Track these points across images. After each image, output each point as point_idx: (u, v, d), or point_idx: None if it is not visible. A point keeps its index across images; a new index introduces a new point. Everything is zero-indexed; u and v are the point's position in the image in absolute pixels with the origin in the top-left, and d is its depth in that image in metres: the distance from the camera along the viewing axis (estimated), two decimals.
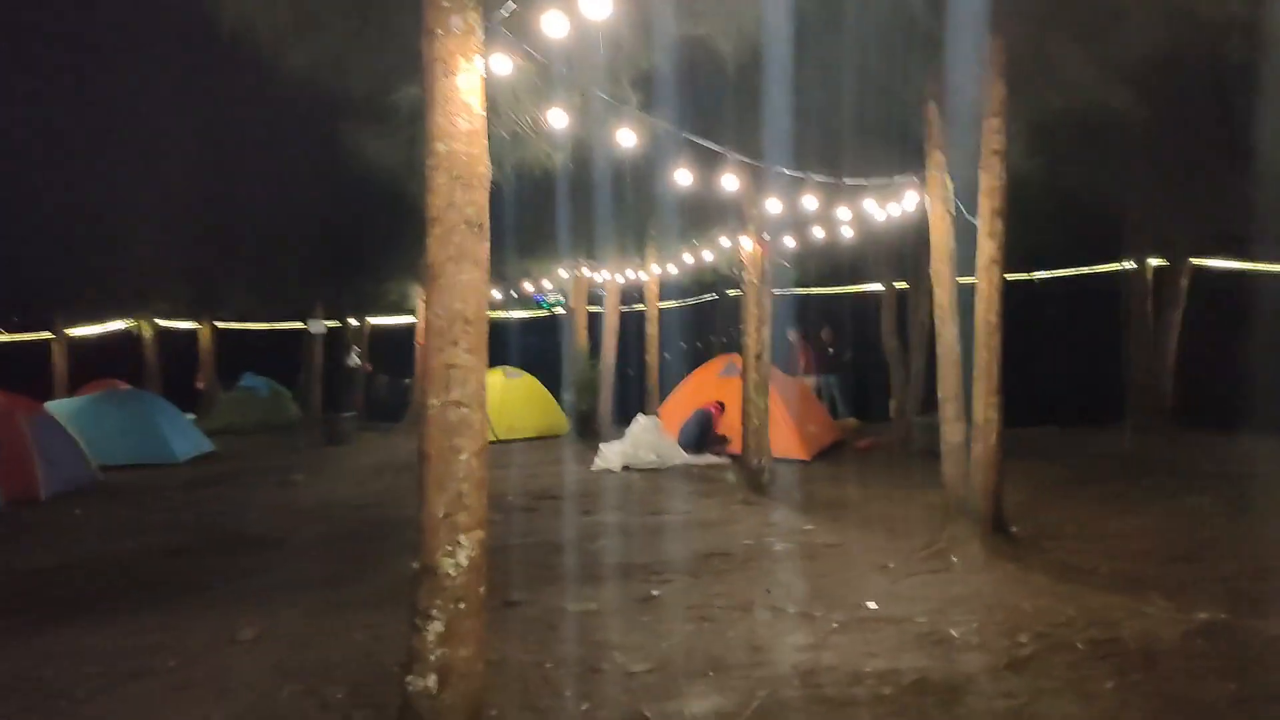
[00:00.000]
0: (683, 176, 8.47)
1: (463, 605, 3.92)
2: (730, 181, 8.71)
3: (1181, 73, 10.12)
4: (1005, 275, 7.80)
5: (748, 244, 11.01)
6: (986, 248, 7.74)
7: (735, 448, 11.88)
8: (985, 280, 7.76)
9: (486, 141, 3.94)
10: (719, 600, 6.84)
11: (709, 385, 14.08)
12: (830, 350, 17.78)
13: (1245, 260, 15.01)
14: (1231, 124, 12.07)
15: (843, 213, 10.30)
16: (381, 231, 19.16)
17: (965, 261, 8.08)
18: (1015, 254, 7.92)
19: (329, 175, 17.30)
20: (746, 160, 8.65)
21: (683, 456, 13.36)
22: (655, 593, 7.16)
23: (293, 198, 17.39)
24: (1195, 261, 15.32)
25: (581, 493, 11.76)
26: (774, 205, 9.23)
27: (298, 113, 13.29)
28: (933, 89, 8.14)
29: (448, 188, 3.82)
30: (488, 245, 4.00)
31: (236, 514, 11.28)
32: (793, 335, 17.72)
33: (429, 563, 3.93)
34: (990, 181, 7.73)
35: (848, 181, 9.06)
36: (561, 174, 12.58)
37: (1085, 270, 17.14)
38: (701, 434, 13.63)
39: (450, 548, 3.91)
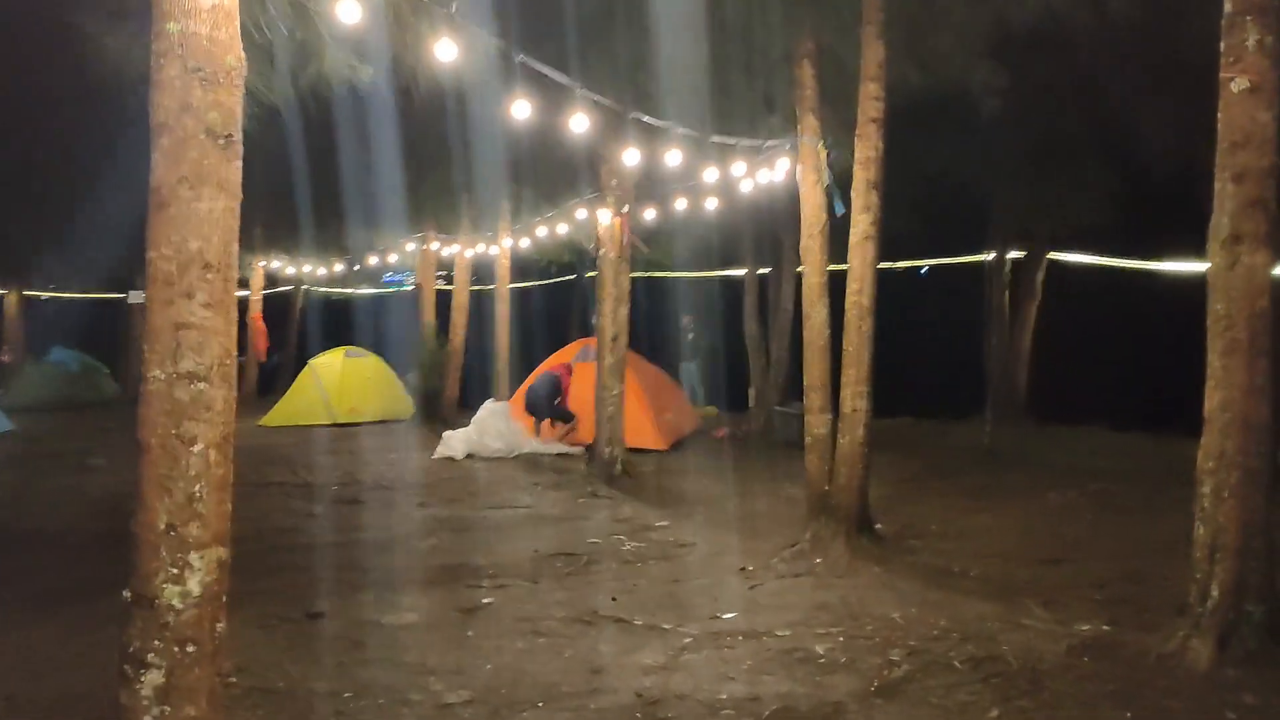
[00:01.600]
0: (520, 109, 7.28)
1: (191, 649, 2.94)
2: (580, 123, 7.61)
3: (1045, 56, 9.82)
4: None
5: (605, 217, 10.18)
6: (860, 223, 7.12)
7: (587, 436, 11.07)
8: (858, 258, 7.13)
9: (238, 25, 2.97)
10: (558, 610, 6.00)
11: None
12: (690, 335, 17.13)
13: (1101, 255, 15.04)
14: (1094, 116, 11.95)
15: (709, 175, 9.48)
16: None
17: (837, 251, 7.45)
18: (880, 241, 7.29)
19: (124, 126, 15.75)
20: (600, 100, 7.60)
21: (532, 445, 12.48)
22: (486, 600, 6.28)
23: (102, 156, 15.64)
24: (1052, 255, 15.28)
25: (418, 483, 10.75)
26: (632, 157, 8.28)
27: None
28: (806, 48, 7.46)
29: (182, 84, 2.84)
30: (239, 166, 3.03)
31: (16, 504, 9.83)
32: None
33: (145, 592, 2.95)
34: (866, 151, 7.10)
35: (714, 139, 8.28)
36: (387, 110, 11.41)
37: (951, 260, 16.99)
38: (550, 397, 12.78)
39: (176, 571, 2.93)
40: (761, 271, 15.04)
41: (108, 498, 10.00)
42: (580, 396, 12.04)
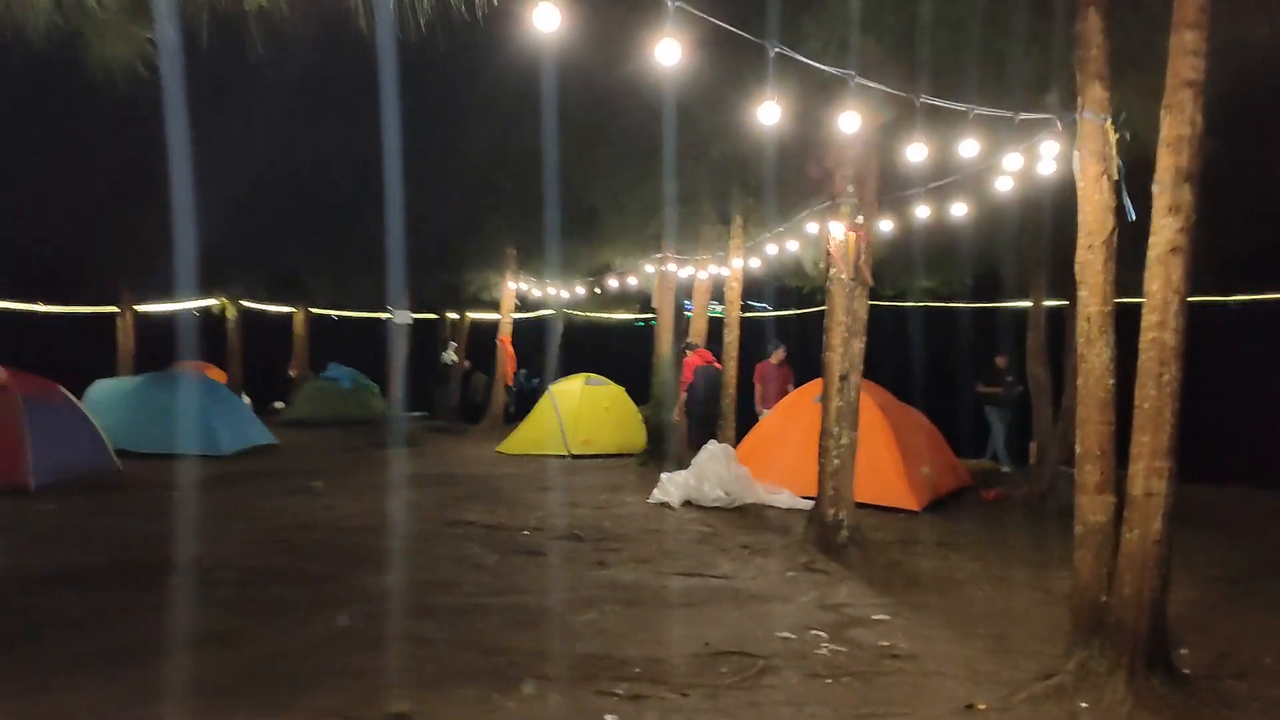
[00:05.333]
0: (769, 113, 5.88)
1: None
2: (850, 121, 6.03)
3: None
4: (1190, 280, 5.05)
5: (837, 231, 8.43)
6: (1165, 229, 5.00)
7: (809, 489, 9.30)
8: (1160, 279, 5.01)
9: None
10: None
11: (802, 413, 11.37)
12: (1007, 379, 14.40)
13: None
14: None
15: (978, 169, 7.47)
16: (462, 219, 17.45)
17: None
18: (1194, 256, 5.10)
19: (407, 158, 15.77)
20: (868, 84, 5.96)
21: (757, 494, 10.82)
22: (608, 719, 4.76)
23: (370, 181, 15.81)
24: None
25: (614, 534, 9.40)
26: (916, 152, 6.50)
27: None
28: None
29: None
30: None
31: (202, 526, 9.46)
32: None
33: None
34: (1178, 128, 4.98)
35: (977, 111, 6.29)
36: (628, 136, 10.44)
37: None
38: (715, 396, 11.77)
39: None
40: (1050, 304, 12.58)
41: (297, 526, 9.46)
42: (802, 443, 10.22)
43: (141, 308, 19.95)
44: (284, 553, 8.38)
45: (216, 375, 20.55)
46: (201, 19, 3.48)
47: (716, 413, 12.17)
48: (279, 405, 22.67)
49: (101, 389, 15.84)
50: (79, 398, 13.64)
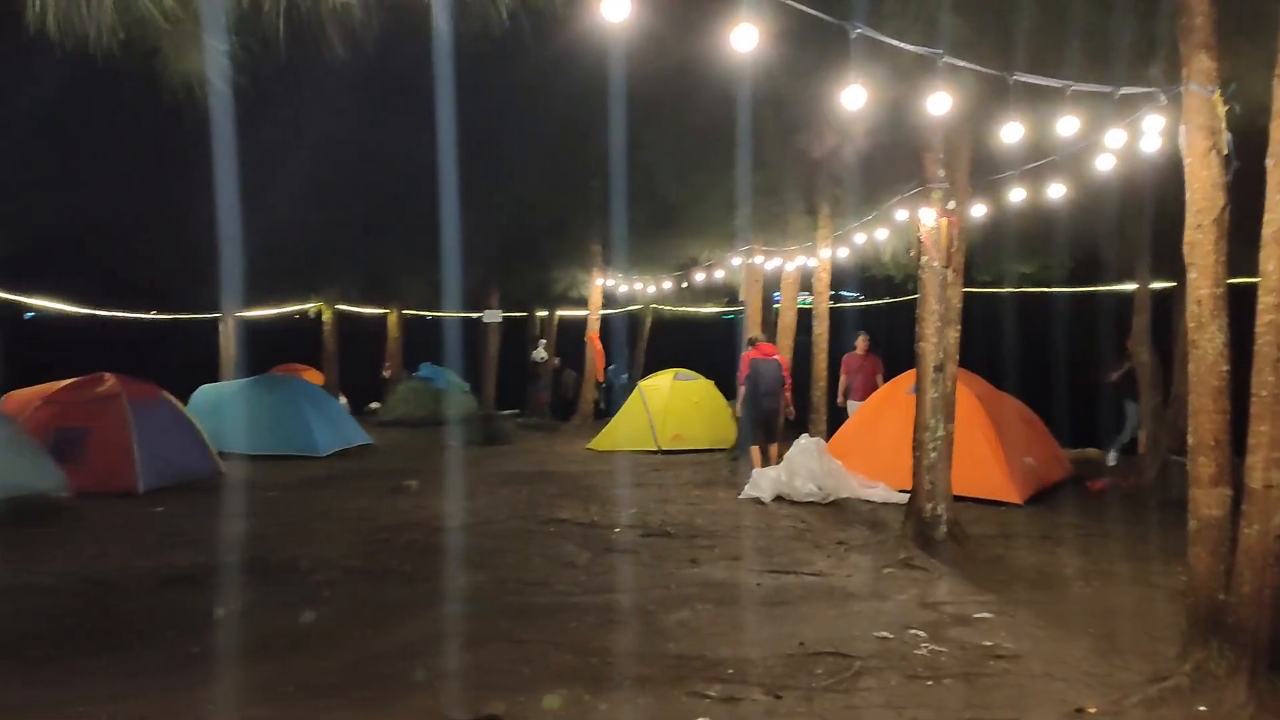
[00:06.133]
0: (852, 98, 5.71)
1: None
2: (939, 103, 5.83)
3: None
4: None
5: (928, 217, 8.20)
6: None
7: (905, 483, 9.09)
8: (1276, 257, 4.73)
9: None
10: None
11: (895, 405, 11.13)
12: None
13: None
14: None
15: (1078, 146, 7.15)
16: (550, 215, 17.53)
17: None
18: None
19: (493, 157, 15.90)
20: (958, 63, 5.75)
21: (851, 488, 10.62)
22: None
23: (458, 182, 15.99)
24: None
25: (706, 530, 9.32)
26: (1013, 133, 6.24)
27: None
28: None
29: None
30: None
31: (301, 526, 9.68)
32: (861, 343, 13.79)
33: None
34: None
35: (1075, 87, 5.99)
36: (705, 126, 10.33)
37: None
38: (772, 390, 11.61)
39: None
40: (1156, 286, 12.06)
41: (394, 526, 9.59)
42: (896, 435, 9.97)
43: (242, 313, 20.52)
44: (380, 552, 8.51)
45: (314, 378, 21.05)
46: (277, 25, 3.50)
47: (774, 407, 11.83)
48: (374, 406, 23.09)
49: (205, 393, 16.32)
50: (184, 403, 14.06)
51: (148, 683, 5.20)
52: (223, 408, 15.51)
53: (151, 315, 24.84)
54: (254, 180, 15.25)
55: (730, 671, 5.37)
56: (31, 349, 21.70)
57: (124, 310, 22.89)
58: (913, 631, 6.09)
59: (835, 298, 15.39)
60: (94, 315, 21.58)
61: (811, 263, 13.29)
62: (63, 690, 5.08)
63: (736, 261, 15.16)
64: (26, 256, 16.99)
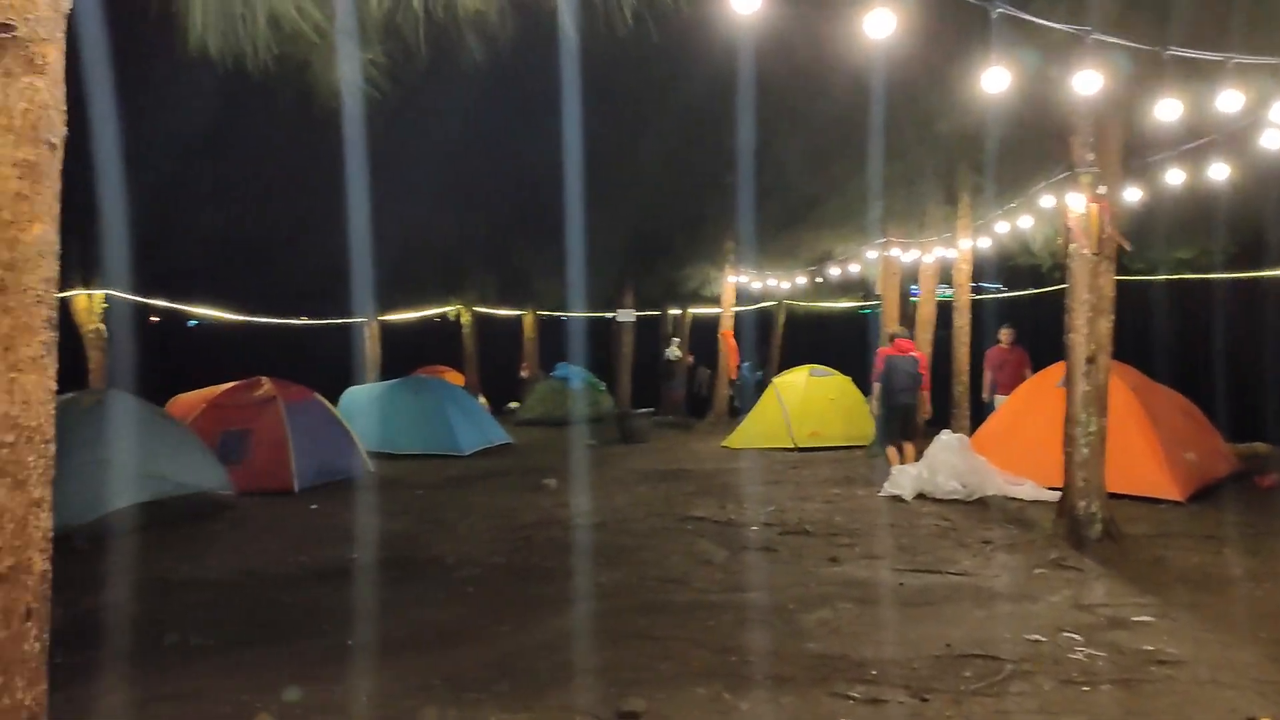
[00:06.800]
0: (995, 80, 5.56)
1: None
2: (1088, 82, 5.62)
3: None
4: None
5: (1076, 203, 7.86)
6: None
7: (1055, 479, 8.73)
8: None
9: None
10: None
11: (1043, 399, 10.69)
12: None
13: None
14: None
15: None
16: (681, 213, 17.55)
17: None
18: None
19: (626, 157, 16.01)
20: (1108, 39, 5.52)
21: (997, 485, 10.27)
22: None
23: (591, 183, 16.17)
24: None
25: (846, 528, 9.17)
26: (1169, 111, 5.96)
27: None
28: None
29: None
30: (45, 89, 1.82)
31: (446, 524, 9.95)
32: (1006, 336, 13.15)
33: None
34: None
35: (1237, 60, 5.65)
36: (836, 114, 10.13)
37: None
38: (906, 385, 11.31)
39: None
40: None
41: (535, 524, 9.78)
42: (1045, 431, 9.58)
43: (385, 317, 21.25)
44: (522, 549, 8.67)
45: (455, 378, 21.63)
46: (418, 33, 3.60)
47: (910, 403, 11.48)
48: (513, 405, 23.59)
49: (352, 395, 16.97)
50: (333, 404, 14.64)
51: (305, 673, 5.42)
52: (369, 409, 16.10)
53: (301, 321, 25.92)
54: (394, 186, 15.78)
55: (874, 672, 5.26)
56: (194, 355, 22.99)
57: (276, 316, 23.98)
58: (1066, 634, 5.85)
59: (976, 289, 14.95)
60: (249, 321, 22.66)
61: (951, 254, 12.92)
62: (229, 679, 5.34)
63: (872, 255, 14.85)
64: (189, 268, 17.97)
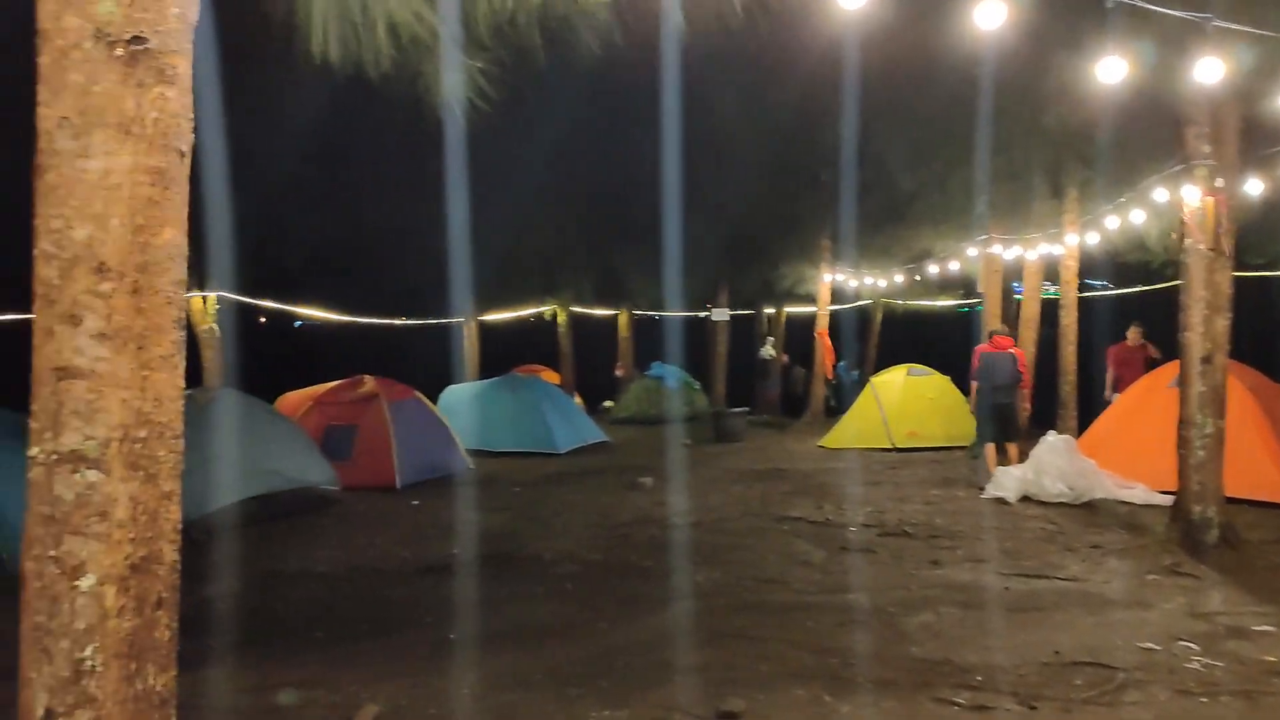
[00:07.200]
0: (1110, 70, 5.40)
1: None
2: (1208, 71, 5.42)
3: None
4: None
5: (1193, 196, 7.57)
6: None
7: (1168, 483, 8.41)
8: None
9: None
10: None
11: (1155, 399, 10.32)
12: None
13: None
14: None
15: None
16: (777, 214, 17.45)
17: None
18: None
19: (724, 156, 15.99)
20: (1230, 25, 5.32)
21: (1105, 488, 9.96)
22: None
23: (690, 182, 16.18)
24: None
25: (947, 531, 9.00)
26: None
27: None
28: None
29: None
30: (174, 99, 1.88)
31: (543, 521, 10.06)
32: (1134, 334, 12.41)
33: None
34: None
35: None
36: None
37: None
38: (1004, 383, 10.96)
39: None
40: None
41: (631, 522, 9.83)
42: (1158, 432, 9.23)
43: (482, 317, 21.59)
44: (619, 547, 8.72)
45: (551, 377, 21.85)
46: (532, 34, 3.65)
47: (1007, 402, 11.13)
48: (608, 404, 23.73)
49: (451, 393, 17.27)
50: (433, 403, 14.92)
51: (410, 665, 5.55)
52: (468, 407, 16.37)
53: (401, 321, 26.51)
54: (494, 188, 16.04)
55: (979, 679, 5.15)
56: (300, 354, 23.69)
57: (378, 317, 24.58)
58: (1182, 643, 5.64)
59: (1082, 287, 14.50)
60: (353, 322, 23.27)
61: (1057, 250, 12.55)
62: (338, 669, 5.50)
63: (973, 252, 14.52)
64: (296, 270, 18.56)
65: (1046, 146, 9.94)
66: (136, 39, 1.95)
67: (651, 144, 16.97)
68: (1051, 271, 13.58)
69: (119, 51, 1.94)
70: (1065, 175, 11.18)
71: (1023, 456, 10.88)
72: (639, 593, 7.18)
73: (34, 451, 1.94)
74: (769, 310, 24.98)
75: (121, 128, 1.96)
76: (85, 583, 1.94)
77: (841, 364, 22.25)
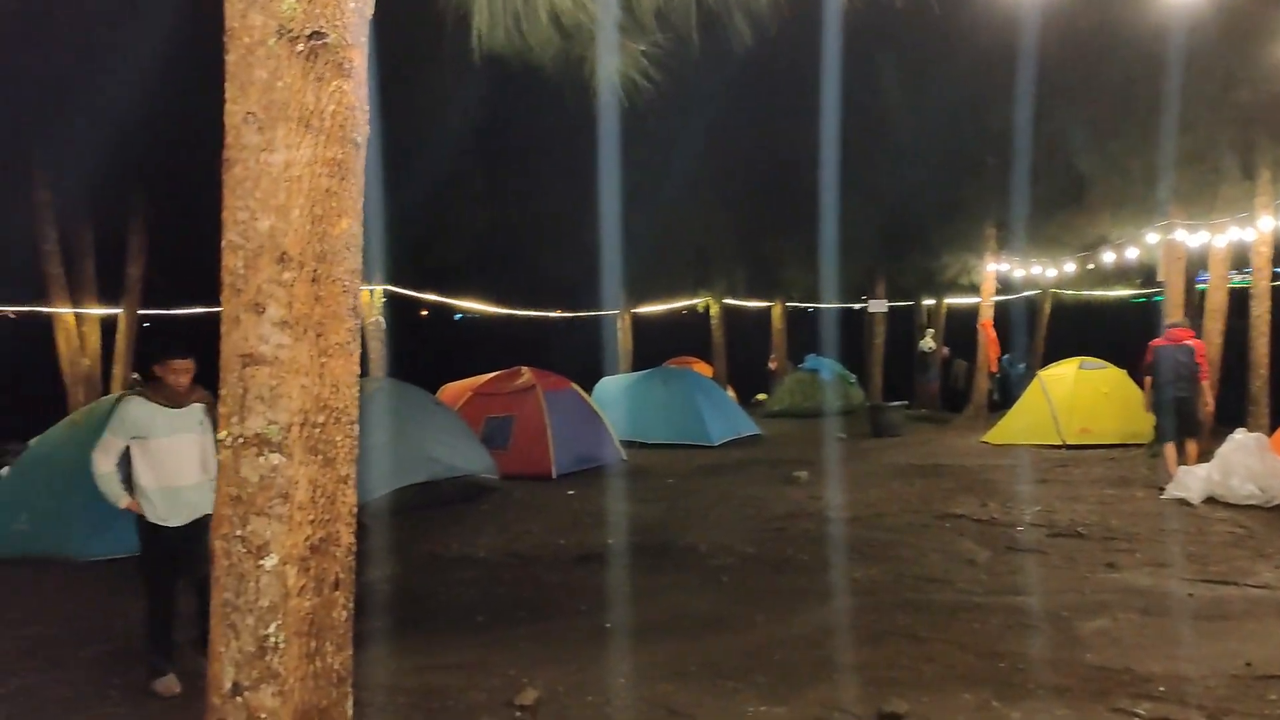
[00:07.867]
0: None
1: None
2: None
3: None
4: None
5: None
6: None
7: None
8: None
9: None
10: None
11: None
12: None
13: None
14: None
15: None
16: (938, 201, 16.89)
17: None
18: None
19: (882, 142, 15.59)
20: None
21: None
22: None
23: (847, 169, 15.86)
24: None
25: (1124, 532, 8.52)
26: None
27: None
28: None
29: None
30: (351, 91, 1.89)
31: (698, 512, 10.07)
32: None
33: None
34: None
35: None
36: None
37: None
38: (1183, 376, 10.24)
39: None
40: None
41: (786, 516, 9.73)
42: None
43: (636, 309, 21.72)
44: (775, 541, 8.63)
45: (703, 370, 21.83)
46: (690, 18, 3.62)
47: (1184, 396, 10.33)
48: (761, 397, 23.55)
49: (605, 385, 17.47)
50: (588, 394, 15.12)
51: (567, 652, 5.62)
52: (621, 399, 16.53)
53: (556, 314, 26.98)
54: (649, 180, 16.07)
55: (1161, 689, 4.85)
56: (460, 346, 24.40)
57: (534, 309, 25.08)
58: None
59: (1276, 275, 13.49)
60: (511, 315, 23.79)
61: (1248, 235, 11.69)
62: (497, 653, 5.62)
63: (1153, 238, 13.67)
64: (457, 264, 19.07)
65: (1237, 124, 9.25)
66: (316, 34, 2.01)
67: (807, 130, 16.69)
68: (1240, 258, 12.67)
69: (300, 47, 2.01)
70: (1258, 154, 10.39)
71: (1204, 456, 10.21)
72: (796, 587, 7.08)
73: (222, 435, 2.04)
74: (929, 301, 24.26)
75: (302, 121, 2.03)
76: (269, 562, 2.02)
77: (1006, 357, 21.42)
